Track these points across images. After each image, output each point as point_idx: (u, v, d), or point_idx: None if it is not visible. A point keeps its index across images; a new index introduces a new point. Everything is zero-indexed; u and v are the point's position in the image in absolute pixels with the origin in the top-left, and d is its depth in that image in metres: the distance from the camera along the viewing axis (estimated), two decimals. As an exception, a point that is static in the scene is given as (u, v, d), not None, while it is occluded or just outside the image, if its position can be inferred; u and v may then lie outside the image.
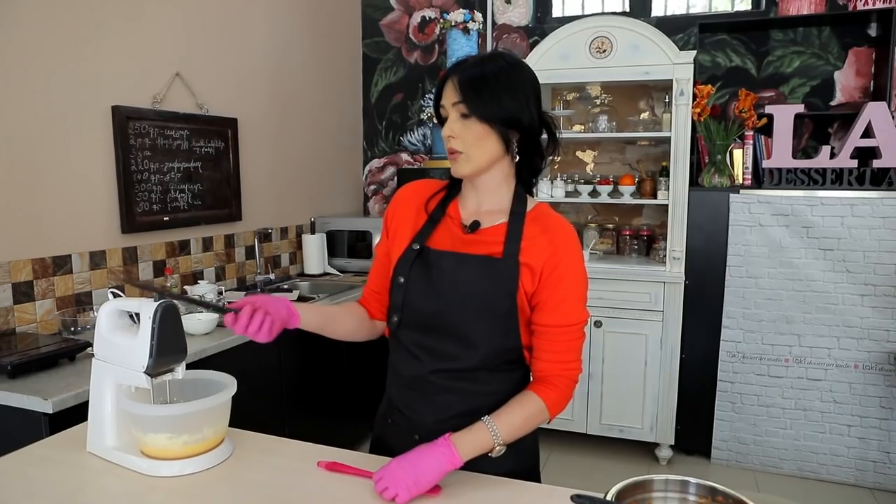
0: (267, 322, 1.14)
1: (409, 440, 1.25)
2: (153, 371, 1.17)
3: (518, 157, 1.21)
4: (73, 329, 2.20)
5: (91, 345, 1.27)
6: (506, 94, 1.15)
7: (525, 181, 1.25)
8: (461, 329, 1.17)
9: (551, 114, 1.55)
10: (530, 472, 1.28)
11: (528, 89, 1.18)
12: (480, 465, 1.17)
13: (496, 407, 1.18)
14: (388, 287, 1.27)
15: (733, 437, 3.14)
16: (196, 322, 2.26)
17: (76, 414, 1.60)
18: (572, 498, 0.92)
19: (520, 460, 1.26)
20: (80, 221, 2.37)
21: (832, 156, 2.95)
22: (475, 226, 1.22)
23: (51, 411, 1.64)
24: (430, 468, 1.07)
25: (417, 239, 1.24)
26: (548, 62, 3.19)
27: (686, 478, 1.01)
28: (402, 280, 1.22)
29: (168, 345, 1.18)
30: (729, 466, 3.15)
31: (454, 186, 1.29)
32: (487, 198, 1.24)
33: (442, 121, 1.21)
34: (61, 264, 2.29)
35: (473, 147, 1.16)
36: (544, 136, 1.23)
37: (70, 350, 1.92)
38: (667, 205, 3.10)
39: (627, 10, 3.66)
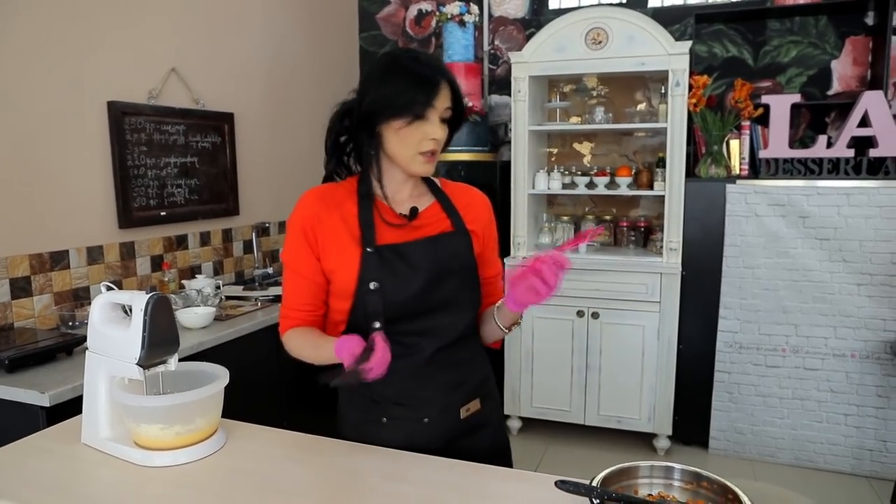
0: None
1: (417, 427, 1.27)
2: (145, 363, 1.19)
3: None
4: (70, 324, 2.22)
5: (88, 339, 1.29)
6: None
7: None
8: (452, 297, 1.27)
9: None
10: (503, 424, 1.46)
11: None
12: (478, 424, 1.32)
13: (480, 370, 1.37)
14: (322, 301, 1.28)
15: (731, 427, 3.15)
16: (193, 316, 2.28)
17: (73, 407, 1.61)
18: (557, 484, 0.93)
19: (499, 414, 1.44)
20: (78, 217, 2.38)
21: (829, 145, 2.95)
22: (415, 212, 1.28)
23: (48, 404, 1.66)
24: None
25: (367, 242, 1.22)
26: (543, 54, 3.19)
27: (671, 464, 1.02)
28: (374, 285, 1.21)
29: (160, 337, 1.19)
30: (726, 456, 3.16)
31: (361, 185, 1.28)
32: (414, 186, 1.32)
33: (410, 116, 1.18)
34: (59, 259, 2.31)
35: (441, 149, 1.26)
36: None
37: (67, 344, 1.94)
38: (664, 196, 3.10)
39: (624, 0, 3.65)
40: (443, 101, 1.20)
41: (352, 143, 1.30)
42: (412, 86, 1.17)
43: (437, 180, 1.36)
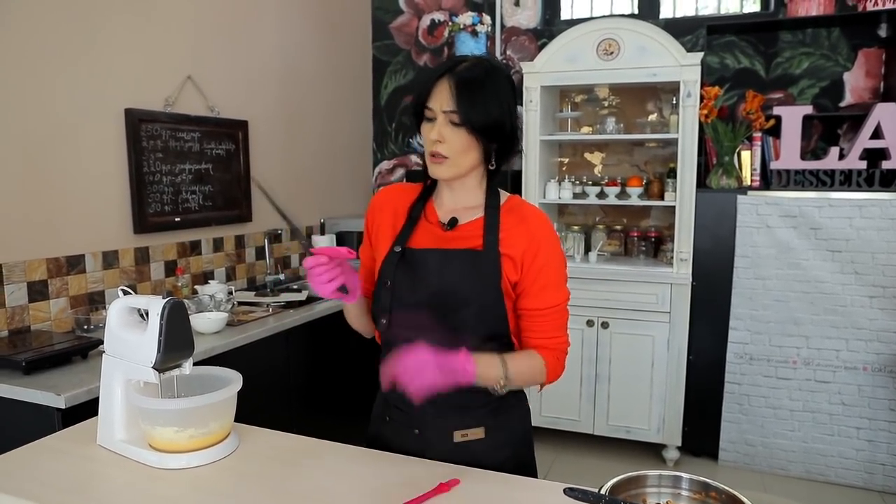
0: (338, 280, 1.13)
1: (409, 435, 1.28)
2: (161, 366, 1.21)
3: (494, 165, 1.25)
4: (86, 327, 2.25)
5: (103, 342, 1.31)
6: (496, 108, 1.18)
7: (492, 177, 1.29)
8: (448, 321, 1.19)
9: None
10: (526, 464, 1.32)
11: (513, 100, 1.22)
12: (477, 454, 1.23)
13: (491, 398, 1.24)
14: (372, 285, 1.31)
15: (741, 439, 3.13)
16: (205, 321, 2.30)
17: (88, 409, 1.64)
18: (565, 491, 0.93)
19: (515, 450, 1.31)
20: (94, 222, 2.42)
21: (841, 157, 2.94)
22: (453, 222, 1.25)
23: (63, 406, 1.68)
24: (448, 367, 1.06)
25: (398, 241, 1.26)
26: (555, 64, 3.21)
27: (679, 473, 1.02)
28: (388, 282, 1.24)
29: (175, 341, 1.21)
30: (736, 468, 3.14)
31: (428, 188, 1.32)
32: (463, 196, 1.27)
33: (420, 118, 1.22)
34: (75, 264, 2.34)
35: (459, 155, 1.19)
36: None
37: (82, 347, 1.97)
38: (674, 206, 3.10)
39: (636, 12, 3.67)
40: (439, 103, 1.16)
41: None
42: (418, 85, 1.21)
43: (505, 197, 1.29)
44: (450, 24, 3.67)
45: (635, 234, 3.51)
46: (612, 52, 3.10)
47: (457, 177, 1.23)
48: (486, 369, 1.14)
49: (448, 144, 1.18)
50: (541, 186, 3.37)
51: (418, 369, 1.04)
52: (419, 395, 1.05)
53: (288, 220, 1.19)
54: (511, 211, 1.26)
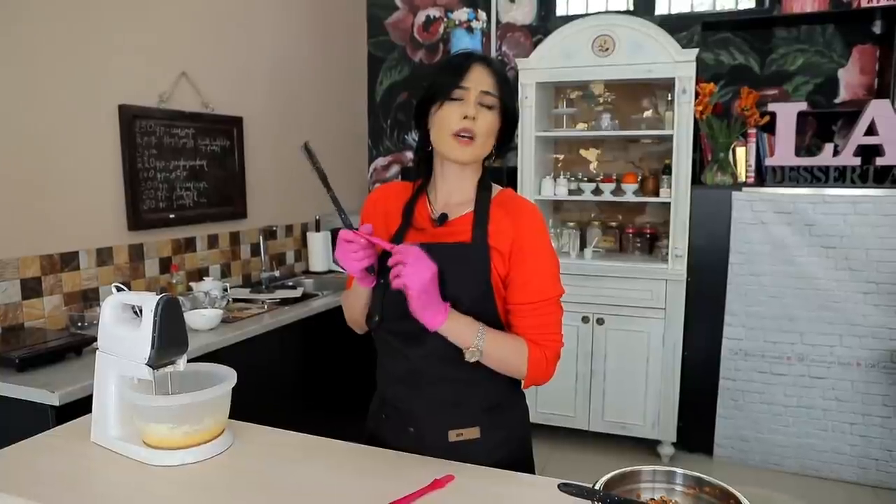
0: (367, 261, 1.16)
1: (405, 432, 1.28)
2: (155, 363, 1.20)
3: (494, 155, 1.27)
4: (80, 324, 2.24)
5: (97, 339, 1.31)
6: (515, 98, 1.25)
7: (484, 171, 1.30)
8: None
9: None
10: (523, 465, 1.31)
11: None
12: (472, 454, 1.22)
13: (486, 397, 1.24)
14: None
15: (735, 435, 3.14)
16: (200, 318, 2.30)
17: (82, 406, 1.63)
18: (560, 486, 0.94)
19: (512, 451, 1.29)
20: (88, 219, 2.41)
21: (835, 153, 2.95)
22: (443, 218, 1.25)
23: (57, 403, 1.68)
24: (432, 298, 1.10)
25: (392, 241, 1.24)
26: (551, 61, 3.20)
27: (673, 468, 1.02)
28: (381, 280, 1.23)
29: (169, 338, 1.21)
30: (731, 464, 3.16)
31: (420, 186, 1.31)
32: (457, 187, 1.27)
33: (428, 106, 1.22)
34: (69, 261, 2.33)
35: (486, 138, 1.21)
36: None
37: (76, 344, 1.97)
38: (669, 203, 3.11)
39: (631, 8, 3.67)
40: (476, 83, 1.18)
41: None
42: (444, 69, 1.21)
43: (497, 190, 1.28)
44: (445, 20, 3.66)
45: (630, 231, 3.52)
46: (607, 49, 3.10)
47: (475, 161, 1.23)
48: (460, 327, 1.14)
49: (479, 124, 1.18)
50: (536, 183, 3.37)
51: (417, 267, 1.07)
52: (398, 284, 1.09)
53: (331, 191, 1.21)
54: (501, 204, 1.25)
